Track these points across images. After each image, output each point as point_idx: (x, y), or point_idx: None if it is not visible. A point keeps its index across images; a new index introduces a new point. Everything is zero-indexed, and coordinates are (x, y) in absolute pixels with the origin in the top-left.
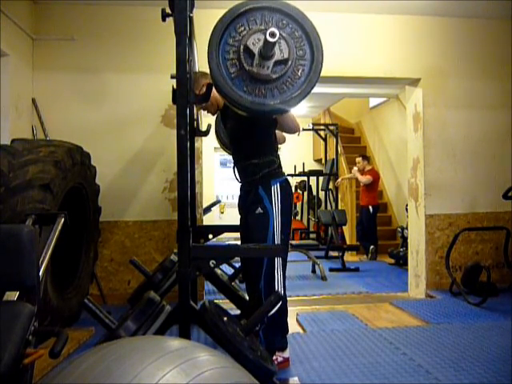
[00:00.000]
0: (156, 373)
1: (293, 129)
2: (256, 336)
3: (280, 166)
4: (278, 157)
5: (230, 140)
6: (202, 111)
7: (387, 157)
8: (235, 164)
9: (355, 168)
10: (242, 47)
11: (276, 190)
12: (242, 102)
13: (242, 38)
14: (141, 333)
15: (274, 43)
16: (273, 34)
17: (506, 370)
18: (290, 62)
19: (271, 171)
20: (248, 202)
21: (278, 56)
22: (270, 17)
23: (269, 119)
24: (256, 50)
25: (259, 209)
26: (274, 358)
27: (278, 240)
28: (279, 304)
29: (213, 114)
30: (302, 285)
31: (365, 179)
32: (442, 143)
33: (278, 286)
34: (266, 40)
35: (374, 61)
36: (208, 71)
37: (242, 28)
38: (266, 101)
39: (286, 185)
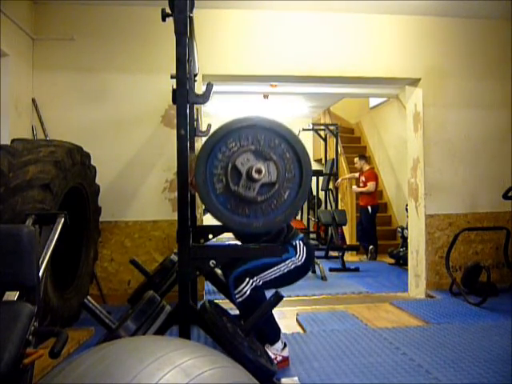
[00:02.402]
0: (156, 373)
1: None
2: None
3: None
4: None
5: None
6: (201, 111)
7: (387, 157)
8: None
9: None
10: (230, 165)
11: (299, 244)
12: (223, 219)
13: (232, 155)
14: (141, 333)
15: (260, 179)
16: (259, 171)
17: (506, 370)
18: (277, 185)
19: (287, 235)
20: None
21: (265, 179)
22: (262, 135)
23: None
24: (244, 171)
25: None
26: (274, 357)
27: (271, 274)
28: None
29: None
30: (302, 285)
31: (369, 187)
32: (442, 143)
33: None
34: (251, 176)
35: (374, 61)
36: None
37: (233, 144)
38: (249, 221)
39: (306, 242)
